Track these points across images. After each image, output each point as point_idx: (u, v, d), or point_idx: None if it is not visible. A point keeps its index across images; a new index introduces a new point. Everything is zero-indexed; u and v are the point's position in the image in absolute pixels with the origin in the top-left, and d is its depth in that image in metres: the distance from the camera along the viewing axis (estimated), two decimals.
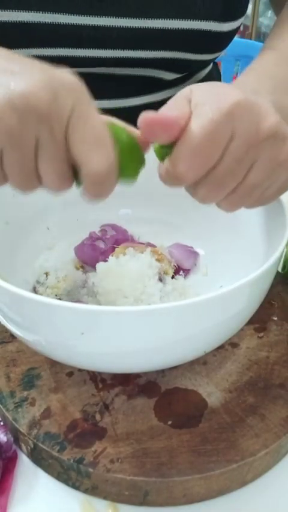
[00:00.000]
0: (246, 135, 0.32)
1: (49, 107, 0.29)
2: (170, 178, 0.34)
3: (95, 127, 0.31)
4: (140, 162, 0.35)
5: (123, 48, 0.55)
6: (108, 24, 0.54)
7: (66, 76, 0.30)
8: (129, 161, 0.34)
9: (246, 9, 0.61)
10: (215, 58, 0.64)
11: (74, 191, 0.59)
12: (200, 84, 0.36)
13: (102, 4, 0.53)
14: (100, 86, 0.59)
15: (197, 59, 0.59)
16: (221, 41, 0.60)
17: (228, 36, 0.60)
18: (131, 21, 0.54)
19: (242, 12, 0.60)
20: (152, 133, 0.33)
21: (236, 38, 0.68)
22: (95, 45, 0.55)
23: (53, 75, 0.30)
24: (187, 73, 0.64)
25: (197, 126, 0.32)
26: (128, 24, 0.54)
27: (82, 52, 0.55)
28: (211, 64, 0.74)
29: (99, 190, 0.32)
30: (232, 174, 0.33)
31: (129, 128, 0.34)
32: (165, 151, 0.34)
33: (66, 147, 0.31)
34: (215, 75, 0.77)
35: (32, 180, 0.32)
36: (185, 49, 0.57)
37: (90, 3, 0.53)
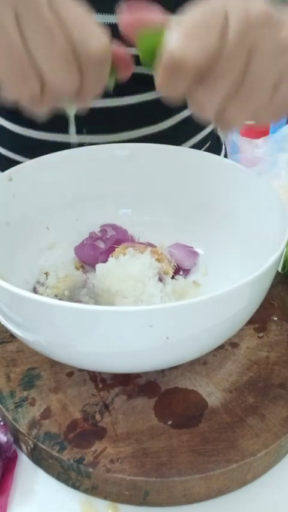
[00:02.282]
0: (238, 20, 0.30)
1: None
2: (168, 71, 0.30)
3: (78, 6, 0.29)
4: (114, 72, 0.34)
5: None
6: (107, 21, 0.53)
7: None
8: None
9: None
10: None
11: (74, 191, 0.59)
12: None
13: (94, 3, 0.53)
14: None
15: None
16: None
17: None
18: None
19: None
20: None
21: None
22: None
23: None
24: None
25: (191, 10, 0.30)
26: (116, 20, 0.53)
27: None
28: None
29: (100, 73, 0.31)
30: (230, 64, 0.30)
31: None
32: (153, 40, 0.31)
33: (58, 23, 0.28)
34: None
35: (28, 74, 0.29)
36: None
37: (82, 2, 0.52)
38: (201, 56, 0.29)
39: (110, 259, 0.52)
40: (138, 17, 0.31)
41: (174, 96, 0.32)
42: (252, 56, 0.31)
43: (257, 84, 0.32)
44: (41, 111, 0.33)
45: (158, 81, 0.31)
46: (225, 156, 0.82)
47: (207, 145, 0.74)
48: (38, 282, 0.52)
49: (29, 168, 0.52)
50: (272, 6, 0.31)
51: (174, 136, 0.66)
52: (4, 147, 0.66)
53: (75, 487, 0.41)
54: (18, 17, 0.27)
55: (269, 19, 0.31)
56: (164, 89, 0.31)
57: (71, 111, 0.35)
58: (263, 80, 0.32)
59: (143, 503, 0.39)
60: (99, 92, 0.32)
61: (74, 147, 0.55)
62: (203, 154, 0.55)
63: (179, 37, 0.29)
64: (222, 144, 0.81)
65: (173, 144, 0.57)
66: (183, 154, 0.55)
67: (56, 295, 0.51)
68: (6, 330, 0.44)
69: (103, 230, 0.57)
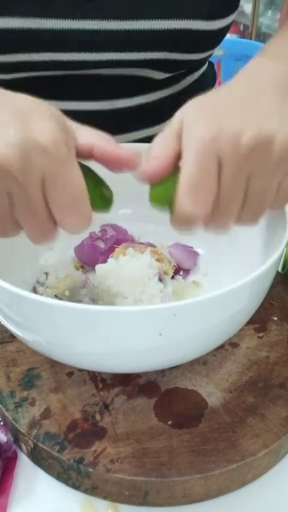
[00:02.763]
0: (230, 156, 0.33)
1: (19, 166, 0.30)
2: (182, 222, 0.35)
3: (70, 188, 0.32)
4: (110, 199, 0.39)
5: (111, 50, 0.55)
6: (95, 28, 0.53)
7: (43, 136, 0.31)
8: (99, 198, 0.37)
9: (237, 7, 0.60)
10: (208, 57, 0.64)
11: None
12: (188, 108, 0.36)
13: (88, 8, 0.53)
14: (88, 87, 0.59)
15: (188, 58, 0.58)
16: (211, 39, 0.59)
17: (218, 34, 0.59)
18: (118, 23, 0.53)
19: (231, 9, 0.59)
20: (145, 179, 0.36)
21: (236, 38, 0.67)
22: (82, 48, 0.54)
23: (28, 136, 0.31)
24: (180, 72, 0.64)
25: (187, 165, 0.33)
26: (115, 27, 0.53)
27: (69, 56, 0.55)
28: (206, 64, 0.73)
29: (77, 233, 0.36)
30: (234, 196, 0.34)
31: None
32: (164, 191, 0.36)
33: (44, 206, 0.32)
34: (210, 76, 0.76)
35: (10, 227, 0.34)
36: (174, 49, 0.56)
37: (76, 7, 0.52)
38: (208, 206, 0.34)
39: (109, 259, 0.52)
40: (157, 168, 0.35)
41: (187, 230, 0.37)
42: (250, 180, 0.34)
43: (260, 197, 0.35)
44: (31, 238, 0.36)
45: (173, 225, 0.36)
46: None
47: None
48: (38, 282, 0.52)
49: None
50: (262, 126, 0.33)
51: None
52: None
53: (75, 487, 0.41)
54: (10, 192, 0.31)
55: (260, 141, 0.33)
56: (178, 230, 0.37)
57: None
58: (266, 192, 0.35)
59: (143, 503, 0.39)
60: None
61: None
62: None
63: (185, 199, 0.34)
64: None
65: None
66: None
67: (56, 295, 0.51)
68: (6, 330, 0.44)
69: (103, 230, 0.57)
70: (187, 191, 0.34)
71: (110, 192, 0.39)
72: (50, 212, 0.33)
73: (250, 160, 0.33)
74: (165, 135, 0.36)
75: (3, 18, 0.51)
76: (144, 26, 0.54)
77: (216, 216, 0.35)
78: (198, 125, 0.34)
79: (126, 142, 0.62)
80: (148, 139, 0.63)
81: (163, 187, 0.36)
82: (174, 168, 0.35)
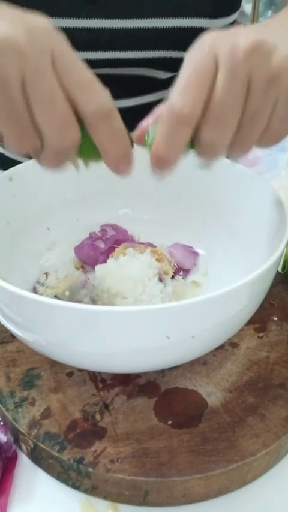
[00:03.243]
0: (226, 58, 0.31)
1: (27, 41, 0.28)
2: (172, 127, 0.33)
3: (81, 66, 0.31)
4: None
5: (115, 49, 0.55)
6: (100, 26, 0.54)
7: (45, 22, 0.30)
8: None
9: (240, 5, 0.61)
10: None
11: (74, 191, 0.59)
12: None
13: (93, 6, 0.53)
14: None
15: None
16: None
17: None
18: (122, 22, 0.54)
19: (234, 8, 0.59)
20: None
21: None
22: (86, 47, 0.55)
23: (31, 20, 0.30)
24: None
25: (184, 69, 0.32)
26: (119, 25, 0.54)
27: None
28: None
29: (108, 133, 0.32)
30: (228, 106, 0.32)
31: None
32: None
33: (60, 86, 0.30)
34: None
35: (28, 132, 0.30)
36: (178, 47, 0.57)
37: (81, 6, 0.53)
38: (197, 105, 0.32)
39: (109, 259, 0.52)
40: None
41: (180, 150, 0.34)
42: (248, 90, 0.32)
43: (257, 114, 0.33)
44: (43, 164, 0.34)
45: (162, 138, 0.33)
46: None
47: None
48: (38, 282, 0.52)
49: (29, 168, 0.51)
50: (261, 34, 0.32)
51: None
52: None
53: (75, 487, 0.41)
54: (23, 77, 0.29)
55: (258, 50, 0.32)
56: (170, 143, 0.33)
57: (76, 167, 0.36)
58: (263, 109, 0.33)
59: (143, 503, 0.39)
60: (127, 141, 0.34)
61: None
62: None
63: (175, 96, 0.32)
64: None
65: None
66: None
67: (56, 295, 0.51)
68: (6, 330, 0.44)
69: (103, 230, 0.57)
70: (177, 89, 0.32)
71: None
72: (69, 99, 0.30)
73: (246, 66, 0.31)
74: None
75: None
76: (148, 25, 0.54)
77: (209, 124, 0.33)
78: (201, 40, 0.33)
79: None
80: None
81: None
82: None
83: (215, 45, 0.32)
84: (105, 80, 0.57)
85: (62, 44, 0.30)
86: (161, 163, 0.35)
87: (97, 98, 0.31)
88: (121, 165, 0.34)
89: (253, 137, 0.34)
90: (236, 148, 0.35)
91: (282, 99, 0.33)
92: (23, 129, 0.30)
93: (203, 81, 0.32)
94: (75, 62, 0.31)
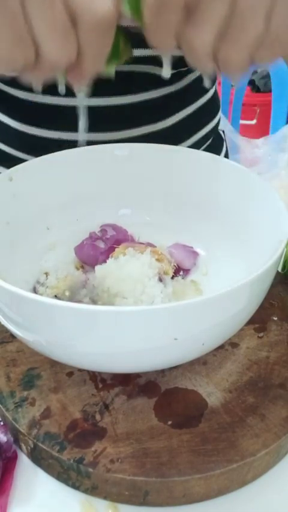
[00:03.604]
0: None
1: None
2: (156, 12, 0.29)
3: None
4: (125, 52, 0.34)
5: None
6: None
7: None
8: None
9: None
10: None
11: (74, 191, 0.59)
12: None
13: None
14: (93, 84, 0.59)
15: None
16: None
17: None
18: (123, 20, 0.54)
19: None
20: None
21: None
22: None
23: None
24: (183, 69, 0.64)
25: None
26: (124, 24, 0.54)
27: None
28: None
29: (101, 42, 0.29)
30: None
31: None
32: None
33: None
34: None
35: (22, 37, 0.28)
36: None
37: None
38: None
39: (109, 259, 0.52)
40: None
41: (166, 42, 0.30)
42: None
43: (246, 14, 0.29)
44: (35, 80, 0.31)
45: (147, 26, 0.29)
46: (226, 153, 0.82)
47: (208, 142, 0.74)
48: (38, 282, 0.52)
49: (29, 168, 0.52)
50: None
51: (176, 135, 0.66)
52: (9, 145, 0.66)
53: (75, 487, 0.41)
54: None
55: None
56: (154, 32, 0.30)
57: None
58: (253, 10, 0.29)
59: (143, 503, 0.39)
60: (99, 67, 0.30)
61: (80, 145, 0.55)
62: (203, 155, 0.55)
63: None
64: (223, 142, 0.81)
65: (174, 142, 0.57)
66: (183, 154, 0.55)
67: (56, 295, 0.51)
68: (6, 330, 0.44)
69: (103, 230, 0.57)
70: None
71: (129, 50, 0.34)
72: (66, 4, 0.27)
73: None
74: None
75: None
76: None
77: (194, 22, 0.29)
78: None
79: (129, 137, 0.62)
80: (151, 136, 0.63)
81: None
82: None
83: None
84: (105, 77, 0.56)
85: None
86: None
87: (97, 7, 0.28)
88: (82, 79, 0.31)
89: (243, 42, 0.30)
90: (226, 55, 0.31)
91: (277, 6, 0.29)
92: (18, 35, 0.28)
93: None
94: None
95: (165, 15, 0.29)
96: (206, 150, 0.73)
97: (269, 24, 0.30)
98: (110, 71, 0.33)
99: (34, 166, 0.52)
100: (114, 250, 0.54)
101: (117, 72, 0.60)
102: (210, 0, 0.29)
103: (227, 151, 0.82)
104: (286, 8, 0.30)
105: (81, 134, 0.53)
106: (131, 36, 0.32)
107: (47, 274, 0.52)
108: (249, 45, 0.30)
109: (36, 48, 0.28)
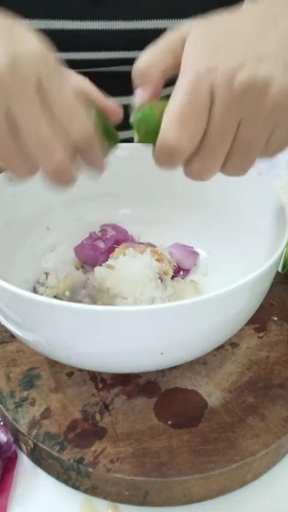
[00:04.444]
0: (222, 92, 0.31)
1: (10, 72, 0.29)
2: (164, 155, 0.33)
3: (64, 98, 0.31)
4: (114, 135, 0.37)
5: (119, 49, 0.56)
6: (104, 28, 0.55)
7: (29, 42, 0.31)
8: (106, 133, 0.36)
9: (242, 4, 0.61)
10: None
11: (74, 191, 0.59)
12: (194, 28, 0.35)
13: (97, 9, 0.54)
14: (98, 84, 0.60)
15: None
16: None
17: None
18: (126, 23, 0.54)
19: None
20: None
21: None
22: (92, 48, 0.56)
23: (14, 45, 0.30)
24: None
25: (178, 93, 0.32)
26: (123, 26, 0.54)
27: (79, 55, 0.56)
28: None
29: (88, 159, 0.34)
30: (222, 137, 0.33)
31: (100, 102, 0.36)
32: (149, 123, 0.34)
33: (43, 109, 0.31)
34: None
35: (20, 159, 0.32)
36: None
37: (85, 8, 0.53)
38: (193, 141, 0.32)
39: (109, 260, 0.52)
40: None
41: (171, 167, 0.35)
42: (240, 125, 0.32)
43: (249, 145, 0.33)
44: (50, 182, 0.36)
45: (155, 159, 0.34)
46: None
47: None
48: (38, 282, 0.52)
49: None
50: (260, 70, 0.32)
51: None
52: None
53: (75, 487, 0.41)
54: (9, 110, 0.30)
55: (255, 83, 0.31)
56: (161, 166, 0.35)
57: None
58: (256, 141, 0.33)
59: (143, 503, 0.39)
60: (103, 164, 0.36)
61: None
62: None
63: (171, 128, 0.32)
64: None
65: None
66: None
67: (56, 296, 0.51)
68: (6, 330, 0.44)
69: (103, 230, 0.57)
70: (173, 119, 0.32)
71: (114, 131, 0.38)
72: (52, 124, 0.31)
73: (242, 101, 0.31)
74: (161, 47, 0.35)
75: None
76: (150, 26, 0.55)
77: (201, 156, 0.34)
78: (198, 53, 0.32)
79: (131, 137, 0.62)
80: None
81: (149, 113, 0.34)
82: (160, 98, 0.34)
83: (212, 74, 0.31)
84: (108, 77, 0.58)
85: (49, 69, 0.31)
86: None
87: (78, 127, 0.32)
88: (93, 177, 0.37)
89: (248, 162, 0.35)
90: (228, 172, 0.36)
91: (278, 126, 0.33)
92: (14, 158, 0.32)
93: (198, 116, 0.32)
94: (60, 88, 0.31)
95: (173, 159, 0.34)
96: None
97: (268, 144, 0.34)
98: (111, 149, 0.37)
99: None
100: (114, 250, 0.54)
101: (118, 73, 0.61)
102: (214, 141, 0.33)
103: None
104: (281, 137, 0.34)
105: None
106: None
107: (47, 274, 0.52)
108: (250, 165, 0.35)
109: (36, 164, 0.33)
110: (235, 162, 0.34)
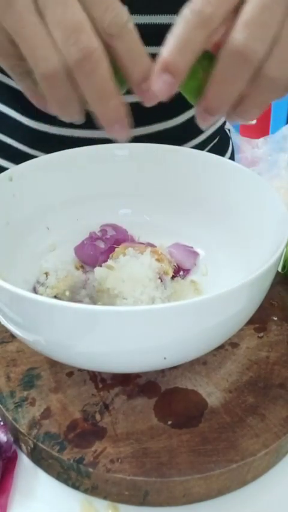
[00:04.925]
0: None
1: None
2: (232, 66, 0.31)
3: None
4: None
5: None
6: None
7: None
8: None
9: None
10: None
11: (74, 191, 0.59)
12: None
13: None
14: None
15: None
16: None
17: None
18: (141, 17, 0.55)
19: None
20: None
21: None
22: None
23: None
24: None
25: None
26: (138, 21, 0.55)
27: None
28: None
29: (122, 49, 0.32)
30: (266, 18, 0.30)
31: None
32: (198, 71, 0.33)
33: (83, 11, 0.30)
34: None
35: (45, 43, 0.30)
36: None
37: None
38: (223, 4, 0.30)
39: (109, 260, 0.52)
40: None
41: (192, 57, 0.31)
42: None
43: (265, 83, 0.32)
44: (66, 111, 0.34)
45: (175, 40, 0.31)
46: (232, 151, 0.82)
47: (213, 143, 0.74)
48: (38, 282, 0.52)
49: (29, 168, 0.52)
50: None
51: (181, 134, 0.66)
52: (21, 142, 0.66)
53: (75, 487, 0.41)
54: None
55: None
56: (184, 46, 0.31)
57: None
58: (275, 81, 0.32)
59: (143, 503, 0.39)
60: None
61: (93, 143, 0.55)
62: (203, 154, 0.55)
63: (243, 28, 0.29)
64: (229, 140, 0.81)
65: (180, 142, 0.57)
66: (183, 154, 0.55)
67: (56, 295, 0.51)
68: (6, 330, 0.44)
69: (103, 230, 0.57)
70: (246, 21, 0.30)
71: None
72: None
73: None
74: None
75: None
76: (166, 20, 0.55)
77: (273, 59, 0.31)
78: None
79: (142, 135, 0.62)
80: (157, 135, 0.63)
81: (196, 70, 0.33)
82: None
83: None
84: None
85: None
86: (168, 71, 0.33)
87: (112, 11, 0.30)
88: (143, 84, 0.33)
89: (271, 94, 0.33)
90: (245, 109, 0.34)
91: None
92: (41, 40, 0.30)
93: (273, 19, 0.30)
94: None
95: (240, 70, 0.31)
96: (212, 148, 0.73)
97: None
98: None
99: (34, 166, 0.52)
100: (114, 250, 0.54)
101: None
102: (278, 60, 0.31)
103: (233, 149, 0.82)
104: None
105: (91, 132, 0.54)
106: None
107: (47, 274, 0.52)
108: (263, 103, 0.33)
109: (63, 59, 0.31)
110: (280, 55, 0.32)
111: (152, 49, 0.57)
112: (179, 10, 0.55)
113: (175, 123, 0.65)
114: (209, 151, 0.70)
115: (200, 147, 0.69)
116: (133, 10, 0.54)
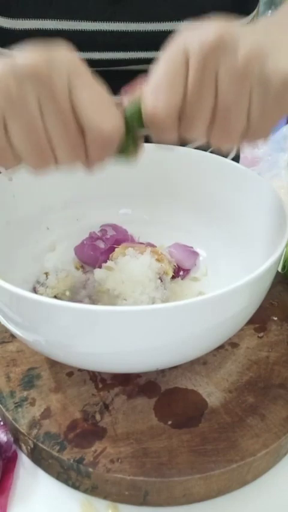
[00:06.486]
0: (194, 54, 0.32)
1: (46, 67, 0.31)
2: (155, 127, 0.34)
3: (96, 89, 0.32)
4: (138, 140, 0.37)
5: (137, 50, 0.58)
6: (123, 29, 0.56)
7: (65, 51, 0.32)
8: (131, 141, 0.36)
9: (257, 3, 0.62)
10: None
11: (74, 191, 0.59)
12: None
13: (116, 9, 0.56)
14: (116, 82, 0.61)
15: None
16: None
17: None
18: (143, 25, 0.56)
19: (252, 8, 0.61)
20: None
21: None
22: (111, 48, 0.57)
23: (48, 49, 0.32)
24: None
25: (156, 67, 0.33)
26: (140, 28, 0.56)
27: (99, 55, 0.58)
28: None
29: (104, 153, 0.34)
30: (200, 98, 0.33)
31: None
32: (135, 107, 0.35)
33: (71, 109, 0.32)
34: None
35: (44, 153, 0.33)
36: None
37: (104, 10, 0.55)
38: (171, 106, 0.32)
39: (108, 262, 0.52)
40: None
41: (174, 141, 0.35)
42: (218, 82, 0.33)
43: (231, 109, 0.33)
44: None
45: (153, 136, 0.35)
46: (238, 154, 0.83)
47: None
48: (38, 282, 0.52)
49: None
50: (227, 24, 0.32)
51: None
52: None
53: (75, 487, 0.41)
54: (40, 103, 0.32)
55: (224, 42, 0.32)
56: (160, 140, 0.35)
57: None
58: (236, 103, 0.33)
59: (143, 503, 0.39)
60: (101, 164, 0.36)
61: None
62: (203, 155, 0.55)
63: (148, 95, 0.33)
64: None
65: (183, 142, 0.57)
66: (183, 154, 0.55)
67: (56, 296, 0.51)
68: (6, 330, 0.44)
69: (103, 230, 0.57)
70: (150, 88, 0.33)
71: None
72: (78, 121, 0.32)
73: (212, 59, 0.32)
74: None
75: (40, 21, 0.55)
76: (168, 27, 0.56)
77: (185, 124, 0.34)
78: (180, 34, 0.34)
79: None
80: None
81: (135, 104, 0.35)
82: None
83: (186, 40, 0.32)
84: (127, 75, 0.58)
85: (79, 68, 0.32)
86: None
87: (104, 124, 0.32)
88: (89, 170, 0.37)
89: (234, 132, 0.34)
90: (217, 142, 0.35)
91: (256, 91, 0.33)
92: (38, 148, 0.33)
93: (175, 80, 0.32)
94: (89, 84, 0.32)
95: (162, 127, 0.34)
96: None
97: (250, 116, 0.34)
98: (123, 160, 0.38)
99: None
100: (114, 250, 0.54)
101: (122, 71, 0.61)
102: (195, 103, 0.33)
103: (238, 152, 0.83)
104: (261, 105, 0.33)
105: None
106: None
107: (47, 274, 0.52)
108: (238, 133, 0.34)
109: (55, 156, 0.34)
110: (218, 131, 0.34)
111: (151, 54, 0.57)
112: (176, 17, 0.55)
113: None
114: (213, 151, 0.70)
115: (205, 146, 0.70)
116: (133, 18, 0.55)
